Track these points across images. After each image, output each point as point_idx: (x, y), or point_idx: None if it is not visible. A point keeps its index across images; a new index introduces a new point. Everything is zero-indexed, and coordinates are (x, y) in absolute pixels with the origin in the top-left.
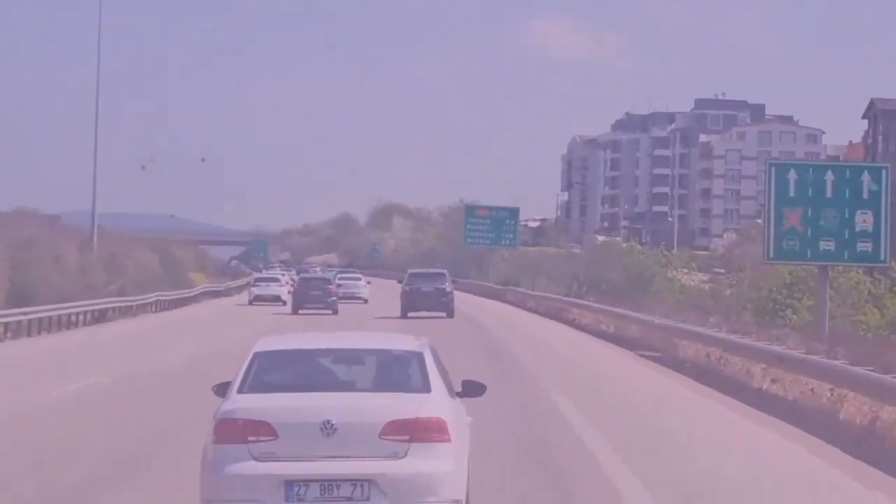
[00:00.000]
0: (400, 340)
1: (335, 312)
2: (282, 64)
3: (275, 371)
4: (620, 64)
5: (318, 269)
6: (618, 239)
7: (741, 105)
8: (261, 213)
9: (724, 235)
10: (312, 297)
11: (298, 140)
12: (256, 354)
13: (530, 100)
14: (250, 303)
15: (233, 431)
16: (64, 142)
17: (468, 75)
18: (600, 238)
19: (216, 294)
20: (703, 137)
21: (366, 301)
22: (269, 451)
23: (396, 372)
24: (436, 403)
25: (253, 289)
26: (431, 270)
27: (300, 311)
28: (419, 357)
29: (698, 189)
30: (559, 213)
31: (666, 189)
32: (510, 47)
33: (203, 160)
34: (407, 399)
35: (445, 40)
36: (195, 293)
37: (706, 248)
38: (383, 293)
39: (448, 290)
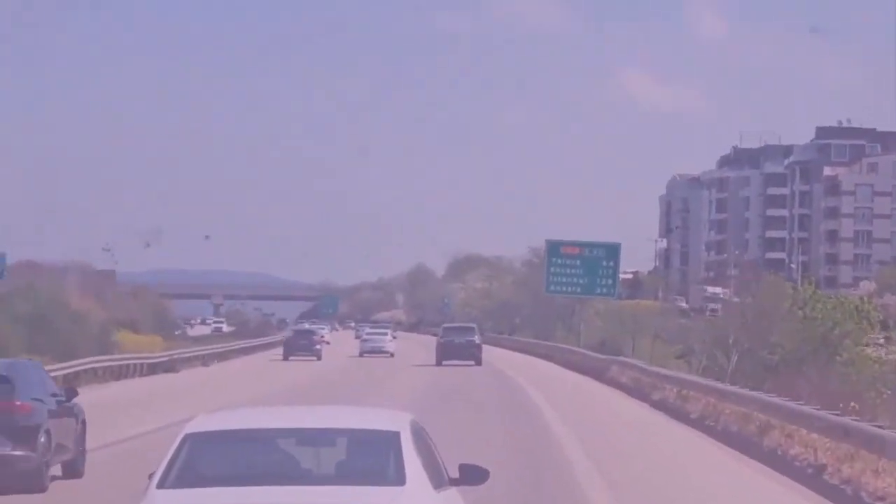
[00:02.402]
0: (375, 417)
1: (319, 358)
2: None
3: (211, 458)
4: (722, 107)
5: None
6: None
7: (870, 134)
8: (330, 268)
9: (861, 285)
10: (301, 346)
11: (392, 191)
12: (188, 437)
13: (621, 147)
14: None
15: None
16: None
17: (555, 125)
18: (708, 289)
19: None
20: (827, 171)
21: (392, 355)
22: None
23: (366, 458)
24: (409, 500)
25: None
26: (463, 325)
27: (290, 358)
28: (394, 438)
29: (822, 231)
30: (657, 262)
31: (783, 233)
32: (596, 99)
33: (207, 237)
34: (373, 494)
35: (532, 91)
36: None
37: None
38: (422, 348)
39: (477, 341)
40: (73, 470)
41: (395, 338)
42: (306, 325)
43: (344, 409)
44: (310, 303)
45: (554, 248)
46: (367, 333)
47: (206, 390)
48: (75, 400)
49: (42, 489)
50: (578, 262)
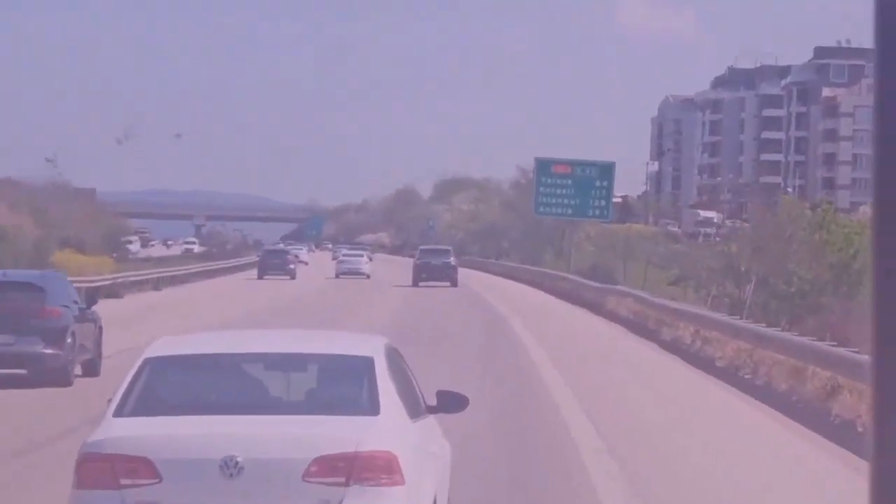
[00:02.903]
0: (348, 341)
1: (293, 277)
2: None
3: (172, 384)
4: (717, 29)
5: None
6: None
7: (870, 54)
8: (317, 189)
9: (860, 210)
10: (274, 265)
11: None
12: (147, 361)
13: (613, 70)
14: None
15: (100, 472)
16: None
17: (545, 49)
18: (701, 213)
19: None
20: (825, 92)
21: (368, 276)
22: (149, 500)
23: (337, 387)
24: (384, 431)
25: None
26: (439, 247)
27: (265, 277)
28: (368, 364)
29: (820, 154)
30: (647, 185)
31: (778, 156)
32: (588, 22)
33: (178, 135)
34: (345, 424)
35: (523, 14)
36: None
37: None
38: (403, 270)
39: (453, 263)
40: (92, 369)
41: (371, 259)
42: (281, 246)
43: (315, 333)
44: (295, 224)
45: (544, 166)
46: (344, 255)
47: (153, 317)
48: (94, 308)
49: (68, 384)
50: (570, 182)
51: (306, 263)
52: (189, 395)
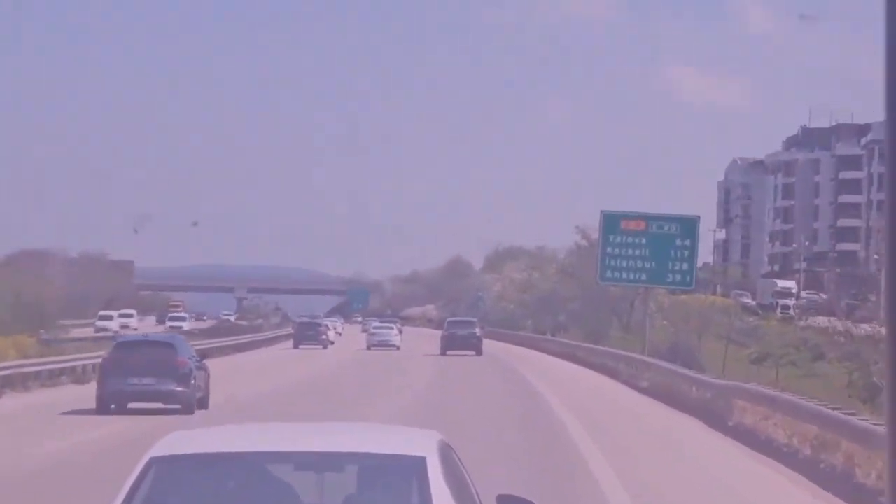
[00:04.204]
0: (395, 437)
1: (325, 347)
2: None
3: (182, 490)
4: (785, 92)
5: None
6: None
7: None
8: (365, 261)
9: None
10: (307, 336)
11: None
12: (152, 461)
13: (673, 138)
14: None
15: None
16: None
17: (599, 117)
18: (779, 283)
19: None
20: None
21: (398, 348)
22: None
23: (383, 494)
24: None
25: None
26: (465, 319)
27: (300, 346)
28: (419, 467)
29: None
30: (714, 254)
31: (858, 221)
32: (643, 91)
33: (195, 224)
34: None
35: (573, 84)
36: None
37: None
38: (429, 341)
39: (477, 334)
40: (203, 403)
41: (401, 332)
42: (309, 319)
43: (355, 426)
44: (341, 297)
45: (612, 222)
46: (375, 327)
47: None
48: (204, 361)
49: (191, 413)
50: (644, 241)
51: (339, 334)
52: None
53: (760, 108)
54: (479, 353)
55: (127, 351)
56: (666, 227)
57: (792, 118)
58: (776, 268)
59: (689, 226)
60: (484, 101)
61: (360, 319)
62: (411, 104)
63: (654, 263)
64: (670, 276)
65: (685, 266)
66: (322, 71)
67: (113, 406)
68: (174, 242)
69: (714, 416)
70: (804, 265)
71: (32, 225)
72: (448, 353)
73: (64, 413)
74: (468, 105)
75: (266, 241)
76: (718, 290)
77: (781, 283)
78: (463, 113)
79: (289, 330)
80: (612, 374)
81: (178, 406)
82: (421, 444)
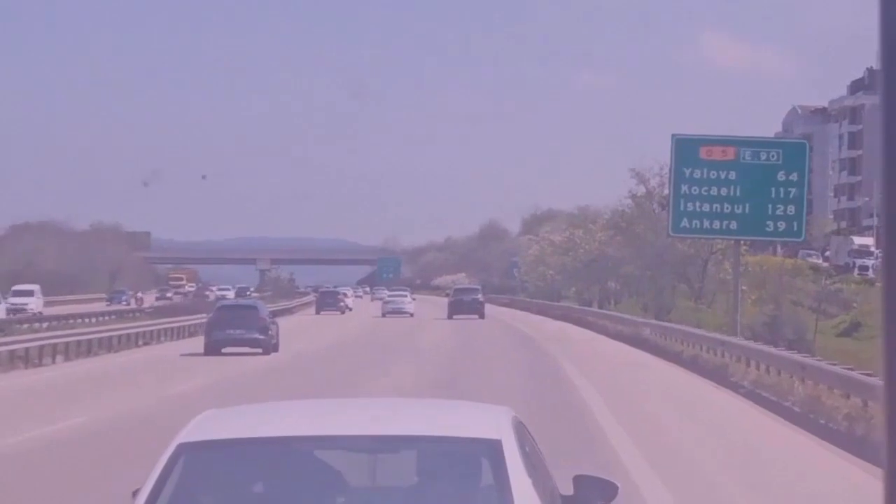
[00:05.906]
0: (462, 416)
1: (342, 313)
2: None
3: (213, 482)
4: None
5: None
6: None
7: None
8: (397, 228)
9: None
10: (327, 303)
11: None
12: (181, 448)
13: (725, 97)
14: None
15: None
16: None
17: (639, 84)
18: (856, 241)
19: None
20: None
21: (411, 315)
22: None
23: (451, 483)
24: None
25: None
26: (470, 286)
27: (321, 312)
28: (494, 451)
29: None
30: None
31: None
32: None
33: (203, 177)
34: None
35: (608, 52)
36: None
37: None
38: (441, 309)
39: (480, 299)
40: (276, 347)
41: (414, 300)
42: (330, 288)
43: (415, 402)
44: (371, 266)
45: (687, 150)
46: (389, 296)
47: None
48: (275, 318)
49: (268, 354)
50: (734, 176)
51: (350, 308)
52: (238, 494)
53: (824, 50)
54: (481, 316)
55: (225, 311)
56: (764, 156)
57: (862, 59)
58: (843, 224)
59: (795, 154)
60: (520, 67)
61: (368, 289)
62: (444, 71)
63: (747, 207)
64: (771, 224)
65: (791, 210)
66: (354, 37)
67: (217, 348)
68: (199, 215)
69: None
70: (873, 221)
71: (48, 194)
72: (454, 317)
73: (184, 355)
74: (503, 71)
75: (297, 214)
76: (779, 250)
77: (859, 241)
78: (498, 80)
79: (310, 299)
80: (701, 369)
81: (259, 350)
82: (493, 423)
